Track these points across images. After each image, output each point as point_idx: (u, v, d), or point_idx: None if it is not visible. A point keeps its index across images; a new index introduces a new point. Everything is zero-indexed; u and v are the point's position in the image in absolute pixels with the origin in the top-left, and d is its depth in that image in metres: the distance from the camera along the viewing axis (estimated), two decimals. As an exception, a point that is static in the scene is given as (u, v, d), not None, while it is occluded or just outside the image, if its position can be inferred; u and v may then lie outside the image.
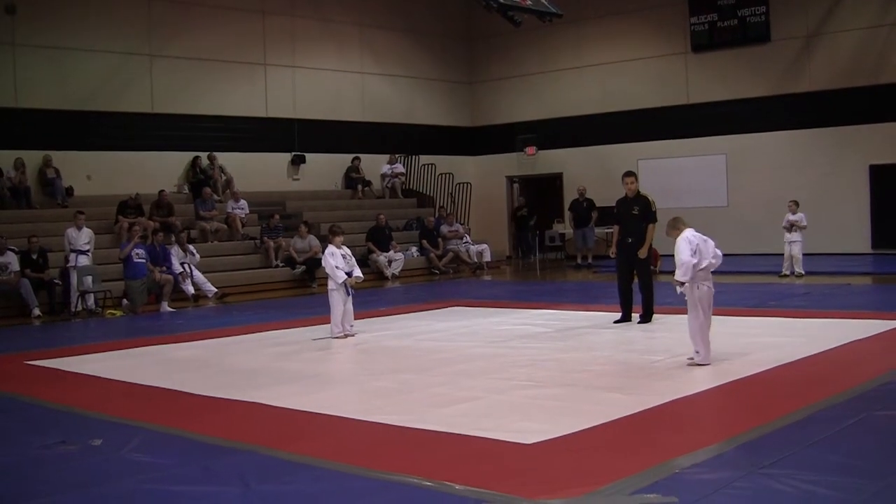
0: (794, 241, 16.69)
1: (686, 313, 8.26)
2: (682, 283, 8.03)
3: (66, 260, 15.32)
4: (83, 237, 15.61)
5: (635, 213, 11.00)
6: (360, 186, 23.17)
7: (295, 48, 22.48)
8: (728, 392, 7.14)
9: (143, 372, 8.97)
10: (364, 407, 6.94)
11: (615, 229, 11.33)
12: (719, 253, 8.25)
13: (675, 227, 8.29)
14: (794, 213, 16.80)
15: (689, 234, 8.16)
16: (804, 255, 16.86)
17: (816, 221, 19.30)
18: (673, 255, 8.31)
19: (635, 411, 6.38)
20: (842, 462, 5.02)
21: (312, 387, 7.93)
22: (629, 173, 11.30)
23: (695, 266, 7.99)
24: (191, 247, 17.10)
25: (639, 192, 11.23)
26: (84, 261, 15.41)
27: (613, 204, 11.75)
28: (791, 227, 16.71)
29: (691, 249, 8.01)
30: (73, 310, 14.88)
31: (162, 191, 18.77)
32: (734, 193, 22.15)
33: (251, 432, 6.29)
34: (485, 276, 20.66)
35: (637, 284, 11.11)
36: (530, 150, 25.07)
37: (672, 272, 8.43)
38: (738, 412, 6.50)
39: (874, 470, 4.87)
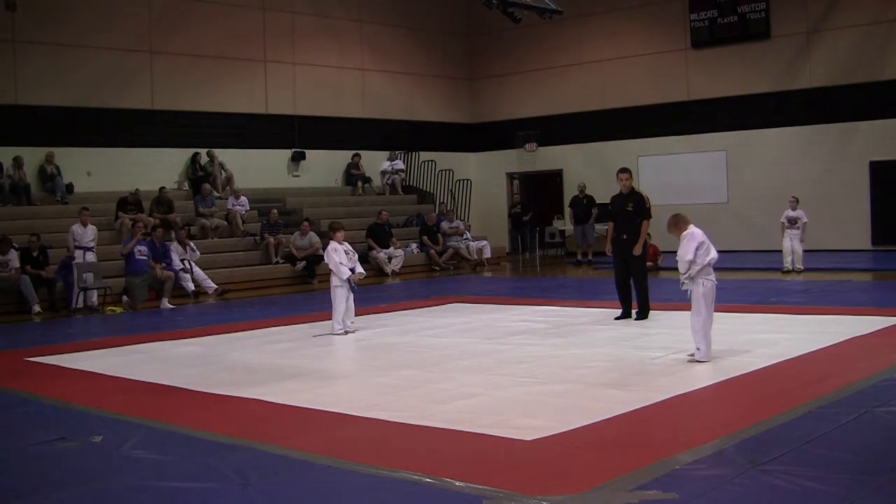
0: (796, 237, 16.70)
1: (685, 309, 8.25)
2: (685, 276, 8.05)
3: (72, 257, 15.32)
4: (88, 234, 15.63)
5: (629, 210, 11.01)
6: (360, 183, 23.17)
7: (295, 45, 22.48)
8: (728, 388, 7.14)
9: (144, 368, 8.98)
10: (364, 403, 6.94)
11: (609, 226, 11.33)
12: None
13: (677, 224, 8.29)
14: (794, 209, 16.80)
15: (695, 229, 8.17)
16: (803, 250, 16.88)
17: (816, 218, 19.31)
18: (675, 252, 8.33)
19: (635, 408, 6.39)
20: (842, 458, 5.02)
21: (313, 383, 7.93)
22: (623, 170, 11.29)
23: (694, 262, 8.00)
24: (190, 243, 17.11)
25: (633, 188, 11.25)
26: (90, 257, 15.43)
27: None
28: (794, 222, 16.69)
29: (696, 245, 8.01)
30: (74, 306, 14.87)
31: (162, 187, 18.79)
32: (734, 190, 22.16)
33: (251, 429, 6.30)
34: (485, 273, 20.67)
35: (633, 280, 11.12)
36: (530, 146, 25.09)
37: (674, 269, 8.45)
38: (738, 409, 6.50)
39: (874, 466, 4.87)
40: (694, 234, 8.12)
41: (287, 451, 5.61)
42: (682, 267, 8.10)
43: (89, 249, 15.51)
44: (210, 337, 11.16)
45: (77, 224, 15.61)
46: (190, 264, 16.60)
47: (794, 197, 17.11)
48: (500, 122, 26.01)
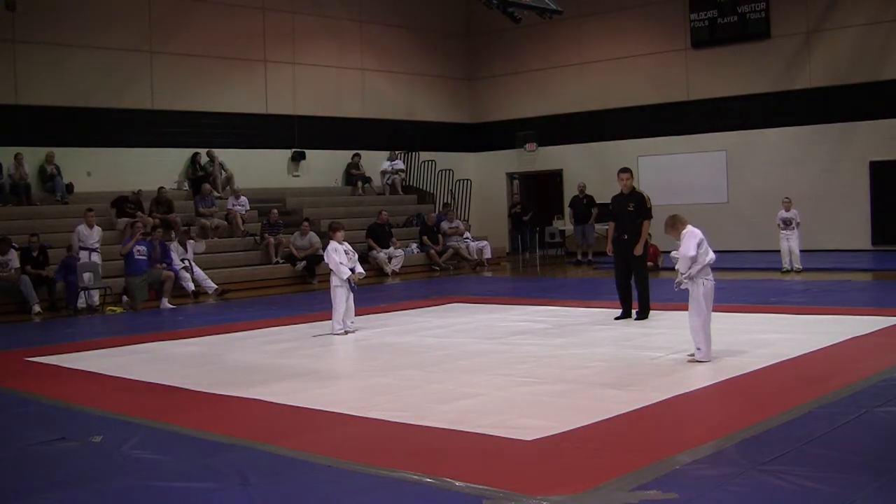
0: (792, 237, 16.73)
1: (686, 309, 8.26)
2: (685, 275, 8.04)
3: (77, 257, 15.31)
4: (94, 235, 15.66)
5: (630, 210, 11.01)
6: (360, 183, 23.17)
7: (295, 45, 22.48)
8: (728, 388, 7.13)
9: (143, 368, 8.98)
10: (364, 403, 6.94)
11: (611, 226, 11.34)
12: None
13: (674, 225, 8.28)
14: (788, 209, 16.82)
15: (694, 228, 8.19)
16: (801, 251, 16.92)
17: (816, 218, 19.36)
18: (671, 252, 8.36)
19: (635, 408, 6.38)
20: (842, 458, 5.02)
21: (313, 383, 7.93)
22: (624, 169, 11.28)
23: (695, 259, 8.00)
24: (191, 242, 17.11)
25: (634, 188, 11.24)
26: (95, 258, 15.46)
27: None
28: (788, 223, 16.72)
29: (697, 243, 8.02)
30: (78, 306, 14.84)
31: (161, 187, 18.80)
32: (734, 190, 22.15)
33: (251, 429, 6.29)
34: (485, 273, 20.68)
35: (634, 280, 11.13)
36: (530, 146, 25.09)
37: (672, 269, 8.46)
38: (737, 408, 6.50)
39: (874, 466, 4.87)
40: (694, 232, 8.13)
41: (287, 451, 5.61)
42: (682, 265, 8.08)
43: (94, 250, 15.54)
44: (210, 337, 11.16)
45: (83, 224, 15.62)
46: (190, 264, 16.61)
47: (787, 198, 17.12)
48: (500, 122, 26.00)
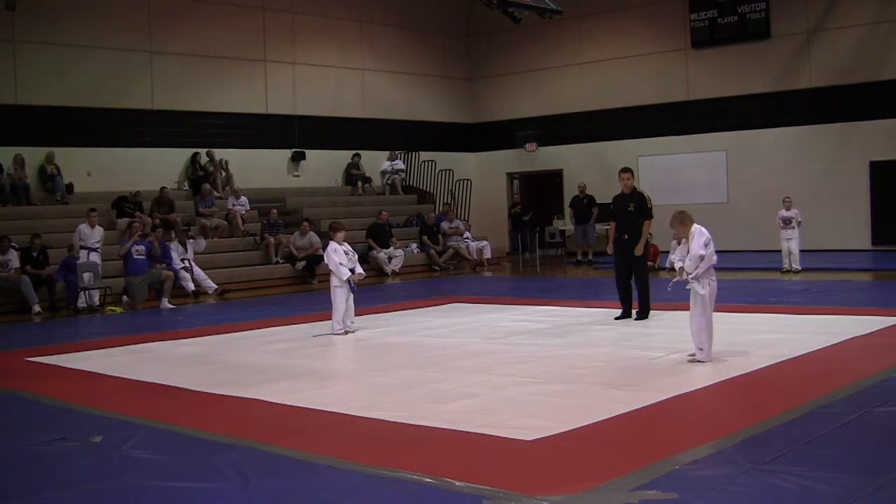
0: (792, 238, 16.73)
1: (686, 309, 8.25)
2: (692, 275, 8.02)
3: (77, 256, 15.30)
4: (95, 235, 15.67)
5: (631, 210, 11.01)
6: (360, 183, 23.17)
7: (295, 45, 22.48)
8: (728, 388, 7.13)
9: (144, 368, 8.98)
10: (364, 403, 6.93)
11: (611, 226, 11.35)
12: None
13: (682, 221, 8.23)
14: (788, 209, 16.83)
15: (701, 227, 8.19)
16: (801, 250, 16.92)
17: (816, 218, 19.34)
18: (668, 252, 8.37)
19: (635, 408, 6.38)
20: (842, 458, 5.02)
21: (313, 383, 7.93)
22: (625, 169, 11.29)
23: (703, 258, 7.99)
24: (191, 241, 17.11)
25: (635, 188, 11.24)
26: (95, 258, 15.46)
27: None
28: (788, 222, 16.73)
29: (704, 242, 8.01)
30: (79, 306, 14.84)
31: (163, 187, 18.81)
32: (734, 190, 22.16)
33: (251, 429, 6.29)
34: (485, 273, 20.68)
35: (634, 280, 11.13)
36: (530, 146, 25.09)
37: (668, 269, 8.47)
38: (738, 408, 6.50)
39: (875, 466, 4.87)
40: (702, 231, 8.12)
41: (287, 451, 5.61)
42: (690, 264, 8.05)
43: (94, 250, 15.55)
44: (210, 337, 11.16)
45: (84, 224, 15.62)
46: (190, 264, 16.61)
47: (787, 197, 17.14)
48: (500, 122, 26.00)
